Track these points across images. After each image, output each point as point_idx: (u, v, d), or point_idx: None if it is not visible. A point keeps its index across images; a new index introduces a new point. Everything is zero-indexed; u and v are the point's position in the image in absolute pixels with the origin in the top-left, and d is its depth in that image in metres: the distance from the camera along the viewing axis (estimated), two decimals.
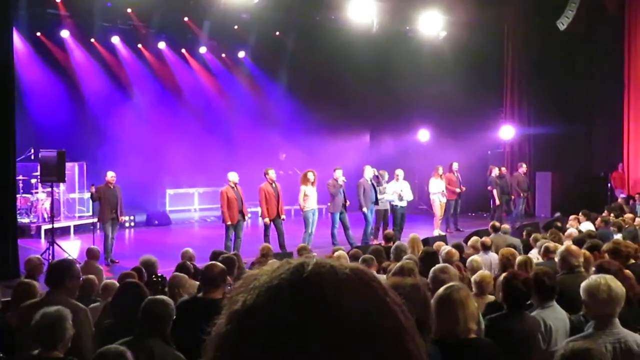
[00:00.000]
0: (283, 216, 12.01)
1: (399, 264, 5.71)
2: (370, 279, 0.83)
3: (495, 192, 15.31)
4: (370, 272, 0.85)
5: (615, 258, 5.83)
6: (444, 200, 14.68)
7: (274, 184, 11.88)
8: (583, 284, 3.76)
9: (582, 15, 16.37)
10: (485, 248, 8.42)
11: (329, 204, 12.87)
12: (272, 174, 11.96)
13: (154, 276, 6.67)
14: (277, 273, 0.81)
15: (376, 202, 13.08)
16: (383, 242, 10.12)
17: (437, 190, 14.62)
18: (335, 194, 12.39)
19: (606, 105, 17.51)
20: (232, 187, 11.39)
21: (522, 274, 4.55)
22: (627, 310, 4.17)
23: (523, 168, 16.12)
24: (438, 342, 3.23)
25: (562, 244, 7.14)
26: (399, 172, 13.66)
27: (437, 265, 5.13)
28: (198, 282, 5.76)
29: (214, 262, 5.28)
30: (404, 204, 13.55)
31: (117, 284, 5.53)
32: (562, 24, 16.46)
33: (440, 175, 14.73)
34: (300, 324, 0.74)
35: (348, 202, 12.59)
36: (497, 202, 15.34)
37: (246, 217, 11.98)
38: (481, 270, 6.04)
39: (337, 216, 12.44)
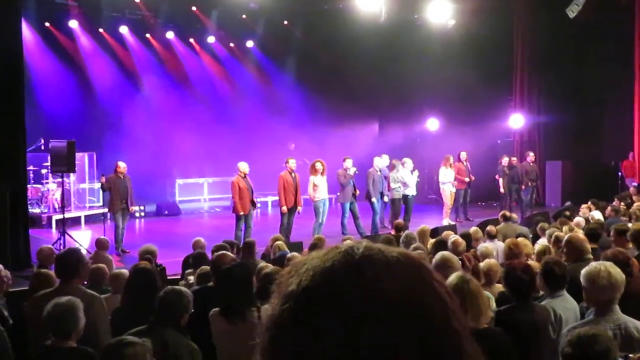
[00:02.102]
0: (299, 207, 11.89)
1: None
2: (417, 262, 0.86)
3: (501, 180, 15.24)
4: (416, 256, 0.88)
5: (635, 242, 5.94)
6: (454, 189, 14.66)
7: (293, 174, 11.86)
8: (583, 271, 3.76)
9: (592, 3, 16.22)
10: (491, 237, 8.40)
11: (338, 193, 12.87)
12: (292, 163, 11.95)
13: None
14: (329, 256, 0.84)
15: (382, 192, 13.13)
16: (393, 232, 10.14)
17: (447, 179, 14.58)
18: (346, 184, 12.38)
19: (616, 93, 17.35)
20: (243, 177, 11.40)
21: (520, 263, 4.48)
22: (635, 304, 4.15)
23: (531, 157, 16.00)
24: None
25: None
26: (408, 161, 13.67)
27: (438, 256, 5.09)
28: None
29: (224, 252, 5.33)
30: (414, 192, 13.63)
31: (126, 273, 5.56)
32: (572, 11, 16.30)
33: (450, 165, 14.68)
34: (355, 303, 0.78)
35: (357, 192, 12.59)
36: (502, 190, 15.25)
37: (256, 207, 11.99)
38: (488, 258, 5.99)
39: (347, 206, 12.44)
